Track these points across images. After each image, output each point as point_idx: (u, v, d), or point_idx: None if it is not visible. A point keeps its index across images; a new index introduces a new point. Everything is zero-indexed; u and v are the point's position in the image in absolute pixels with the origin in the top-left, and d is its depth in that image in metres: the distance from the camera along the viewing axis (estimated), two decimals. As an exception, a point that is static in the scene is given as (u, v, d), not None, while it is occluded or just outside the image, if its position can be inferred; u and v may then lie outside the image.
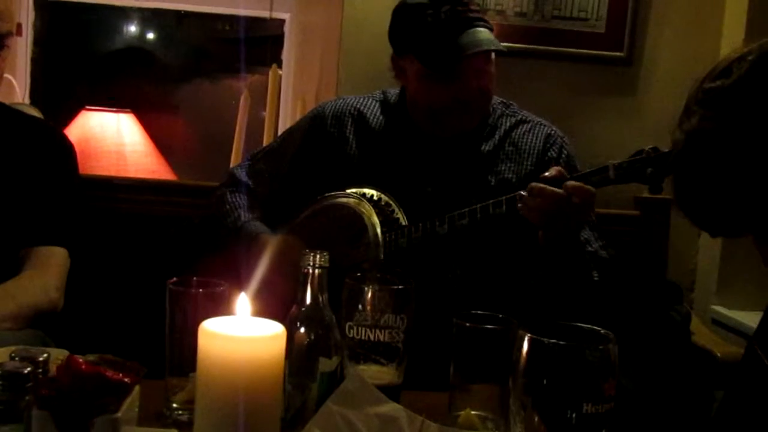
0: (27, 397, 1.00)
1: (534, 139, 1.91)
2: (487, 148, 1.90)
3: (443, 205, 1.79)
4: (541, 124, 1.94)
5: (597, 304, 1.75)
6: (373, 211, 1.79)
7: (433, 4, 1.80)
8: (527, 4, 2.62)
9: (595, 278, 1.79)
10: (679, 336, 2.09)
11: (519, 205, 1.70)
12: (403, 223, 1.80)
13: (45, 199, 1.83)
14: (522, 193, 1.70)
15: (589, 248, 1.81)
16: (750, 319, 2.37)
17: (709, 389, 2.04)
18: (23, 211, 1.79)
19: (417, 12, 1.82)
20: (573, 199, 1.64)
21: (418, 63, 1.83)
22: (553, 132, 1.93)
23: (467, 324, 1.18)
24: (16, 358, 1.06)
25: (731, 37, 2.63)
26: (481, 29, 1.80)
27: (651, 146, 1.65)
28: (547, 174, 1.69)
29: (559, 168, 1.70)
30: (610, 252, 1.85)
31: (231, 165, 2.75)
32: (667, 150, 1.63)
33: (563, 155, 1.89)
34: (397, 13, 1.89)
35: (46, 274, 1.76)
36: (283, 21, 2.91)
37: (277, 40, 2.93)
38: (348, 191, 1.85)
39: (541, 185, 1.66)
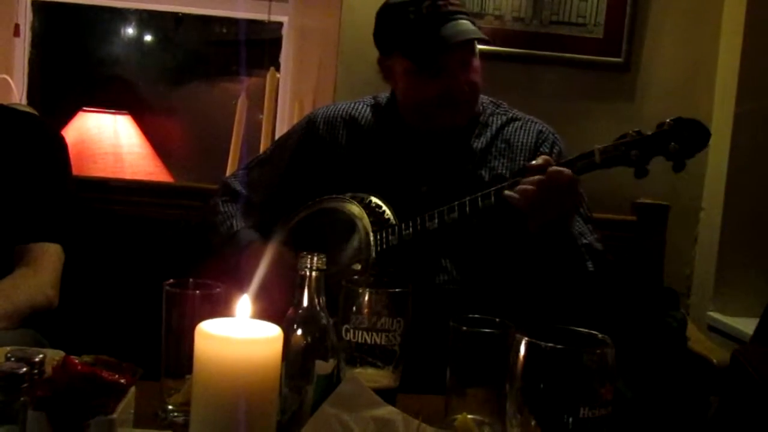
0: (22, 398, 0.99)
1: (526, 135, 1.92)
2: (479, 145, 1.91)
3: (439, 204, 1.79)
4: (532, 121, 1.96)
5: (593, 308, 1.75)
6: (363, 211, 1.80)
7: (414, 1, 1.82)
8: (525, 9, 2.63)
9: (590, 269, 1.78)
10: (676, 342, 2.09)
11: (505, 192, 1.68)
12: (393, 222, 1.80)
13: (37, 194, 1.82)
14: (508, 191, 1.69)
15: (584, 240, 1.81)
16: (746, 326, 2.37)
17: (705, 395, 2.04)
18: (16, 208, 1.79)
19: (399, 10, 1.85)
20: (555, 185, 1.63)
21: (404, 60, 1.85)
22: (544, 129, 1.94)
23: (464, 327, 1.18)
24: (12, 359, 1.06)
25: (729, 43, 2.64)
26: (463, 21, 1.83)
27: (635, 129, 1.66)
28: (534, 162, 1.68)
29: (546, 157, 1.70)
30: (604, 248, 1.85)
31: (228, 168, 2.76)
32: (650, 133, 1.65)
33: (555, 151, 1.90)
34: (381, 15, 1.92)
35: (41, 271, 1.75)
36: (281, 24, 2.92)
37: (275, 43, 2.93)
38: (336, 195, 1.85)
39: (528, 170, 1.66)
